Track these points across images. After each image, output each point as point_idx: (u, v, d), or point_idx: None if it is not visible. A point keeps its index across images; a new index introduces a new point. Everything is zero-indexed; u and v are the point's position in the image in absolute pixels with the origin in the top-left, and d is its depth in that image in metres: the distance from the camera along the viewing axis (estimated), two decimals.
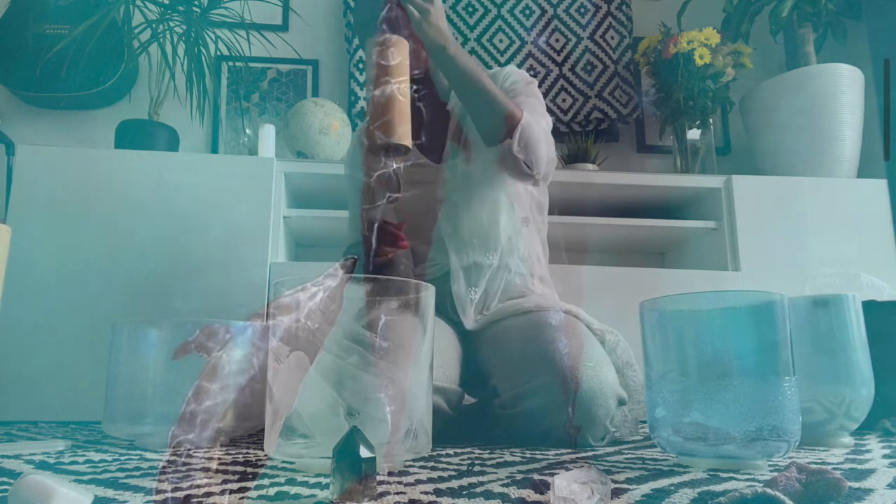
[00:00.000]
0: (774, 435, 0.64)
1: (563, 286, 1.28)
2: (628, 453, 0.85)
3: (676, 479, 0.59)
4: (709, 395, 0.66)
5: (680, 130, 1.97)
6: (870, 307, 1.00)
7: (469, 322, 1.14)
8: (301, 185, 1.75)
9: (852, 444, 0.91)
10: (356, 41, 2.04)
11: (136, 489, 0.55)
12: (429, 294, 0.67)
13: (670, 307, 0.72)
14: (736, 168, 2.06)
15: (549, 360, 0.97)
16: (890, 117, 1.92)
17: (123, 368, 0.92)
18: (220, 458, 0.75)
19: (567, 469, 0.55)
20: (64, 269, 1.52)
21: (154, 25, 1.77)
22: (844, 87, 1.85)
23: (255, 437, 1.00)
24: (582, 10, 2.20)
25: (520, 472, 0.65)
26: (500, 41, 2.16)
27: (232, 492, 0.53)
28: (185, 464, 0.70)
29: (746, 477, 0.61)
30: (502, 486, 0.56)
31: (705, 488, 0.54)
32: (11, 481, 0.57)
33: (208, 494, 0.51)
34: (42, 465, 0.71)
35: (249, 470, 0.66)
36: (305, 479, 0.59)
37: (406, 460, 0.69)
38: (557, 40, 2.18)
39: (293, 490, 0.53)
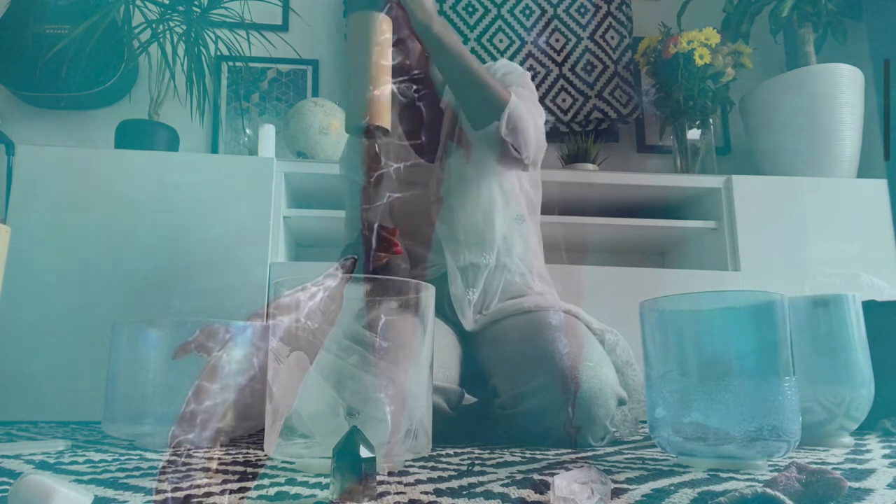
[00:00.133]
0: (774, 435, 0.64)
1: (563, 286, 1.27)
2: (628, 453, 0.85)
3: (676, 479, 0.59)
4: (709, 395, 0.66)
5: (680, 130, 1.97)
6: (870, 307, 1.00)
7: (468, 323, 1.14)
8: (301, 185, 1.75)
9: (852, 444, 0.91)
10: None
11: (136, 489, 0.55)
12: (429, 294, 0.67)
13: (670, 307, 0.72)
14: (736, 168, 2.06)
15: (549, 360, 0.97)
16: (890, 117, 1.92)
17: (123, 368, 0.92)
18: (220, 458, 0.75)
19: (567, 469, 0.55)
20: (64, 269, 1.52)
21: (154, 25, 1.77)
22: (844, 87, 1.85)
23: (255, 437, 1.00)
24: (582, 10, 2.20)
25: (520, 472, 0.65)
26: (500, 41, 2.16)
27: (232, 492, 0.53)
28: (185, 464, 0.70)
29: (746, 477, 0.61)
30: (502, 486, 0.56)
31: (705, 488, 0.54)
32: (11, 481, 0.57)
33: (208, 494, 0.51)
34: (42, 465, 0.71)
35: (249, 470, 0.66)
36: (305, 479, 0.59)
37: (406, 460, 0.69)
38: (557, 40, 2.18)
39: (293, 490, 0.53)
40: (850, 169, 1.87)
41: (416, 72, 1.14)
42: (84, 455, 0.80)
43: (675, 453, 0.70)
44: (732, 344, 0.68)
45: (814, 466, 0.50)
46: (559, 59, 2.17)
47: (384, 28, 0.86)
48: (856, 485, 0.55)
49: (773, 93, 1.91)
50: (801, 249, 1.73)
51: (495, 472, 0.64)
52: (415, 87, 1.17)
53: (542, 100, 2.13)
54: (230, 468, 0.67)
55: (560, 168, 1.93)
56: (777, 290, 0.69)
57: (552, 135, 2.12)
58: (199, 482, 0.57)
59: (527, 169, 1.14)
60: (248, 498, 0.50)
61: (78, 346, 1.47)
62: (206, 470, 0.66)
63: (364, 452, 0.48)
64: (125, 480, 0.59)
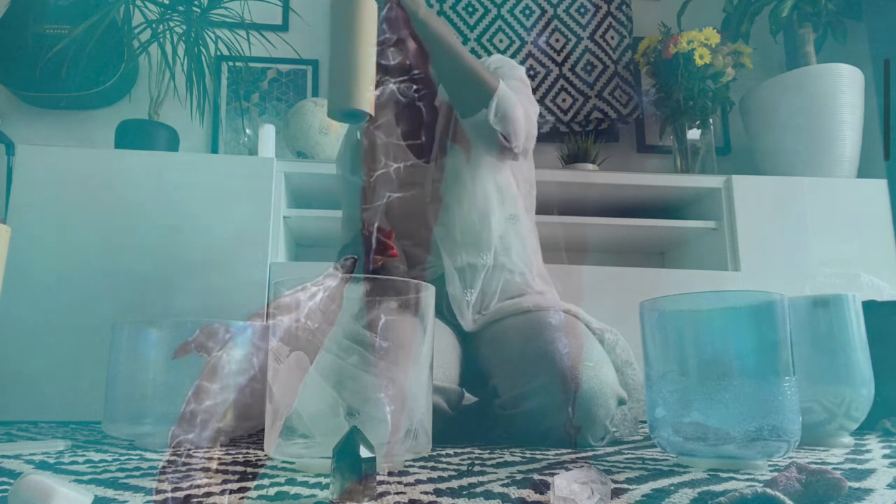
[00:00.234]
0: (774, 435, 0.64)
1: (563, 286, 1.27)
2: (628, 453, 0.85)
3: (676, 479, 0.59)
4: (709, 395, 0.66)
5: (680, 130, 1.97)
6: (870, 307, 1.00)
7: (467, 324, 1.14)
8: (301, 185, 1.75)
9: (852, 444, 0.91)
10: None
11: (136, 489, 0.55)
12: (428, 294, 0.67)
13: (670, 307, 0.72)
14: (736, 168, 2.06)
15: (549, 360, 0.97)
16: (890, 117, 1.92)
17: (123, 368, 0.92)
18: (220, 458, 0.75)
19: (567, 469, 0.55)
20: (64, 269, 1.52)
21: (154, 25, 1.77)
22: (844, 87, 1.85)
23: (255, 437, 1.00)
24: (582, 10, 2.20)
25: (520, 472, 0.65)
26: (500, 41, 2.16)
27: (232, 492, 0.53)
28: (185, 464, 0.70)
29: (746, 477, 0.61)
30: (502, 486, 0.56)
31: (705, 488, 0.54)
32: (11, 481, 0.57)
33: (208, 494, 0.51)
34: (42, 465, 0.71)
35: (249, 470, 0.66)
36: (305, 479, 0.59)
37: (406, 460, 0.69)
38: (557, 40, 2.18)
39: (293, 490, 0.53)
40: (850, 169, 1.87)
41: (415, 72, 1.14)
42: (84, 455, 0.80)
43: (675, 453, 0.70)
44: (732, 344, 0.68)
45: (814, 466, 0.50)
46: (559, 59, 2.17)
47: (367, 9, 0.82)
48: (856, 485, 0.55)
49: (773, 93, 1.91)
50: (801, 249, 1.73)
51: (495, 472, 0.64)
52: (415, 87, 1.16)
53: (541, 100, 2.13)
54: (230, 468, 0.67)
55: (560, 168, 1.93)
56: (777, 290, 0.69)
57: (552, 135, 2.12)
58: (199, 482, 0.57)
59: (517, 158, 1.12)
60: (248, 498, 0.50)
61: (78, 346, 1.47)
62: (206, 470, 0.66)
63: (364, 452, 0.48)
64: (125, 480, 0.59)
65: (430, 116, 1.19)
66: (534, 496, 0.51)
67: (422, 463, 0.71)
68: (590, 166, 1.92)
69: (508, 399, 0.99)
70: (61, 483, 0.44)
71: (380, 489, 0.53)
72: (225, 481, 0.58)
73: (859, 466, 0.68)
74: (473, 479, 0.59)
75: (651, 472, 0.65)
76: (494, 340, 1.09)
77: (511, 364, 1.02)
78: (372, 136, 1.15)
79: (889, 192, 1.80)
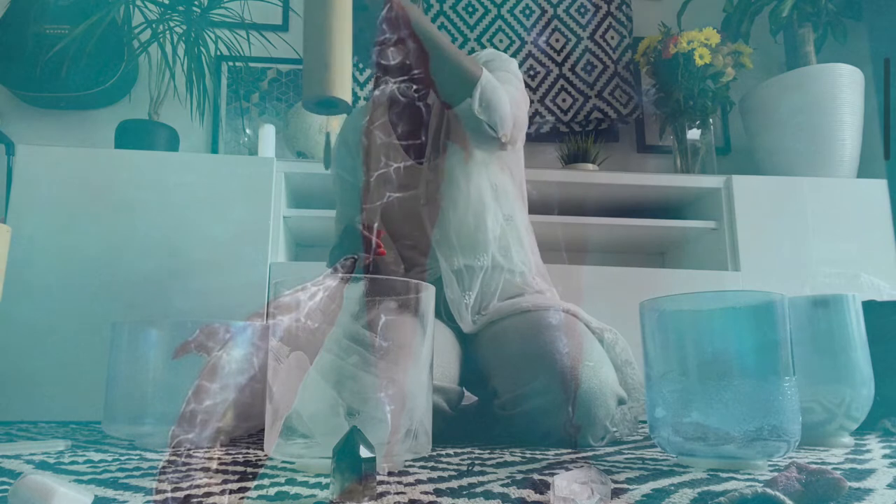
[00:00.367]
0: (774, 435, 0.64)
1: (563, 286, 1.27)
2: (628, 453, 0.85)
3: (676, 479, 0.59)
4: (709, 395, 0.66)
5: (680, 130, 1.97)
6: (870, 307, 1.01)
7: (466, 326, 1.13)
8: (301, 185, 1.75)
9: (852, 444, 0.91)
10: None
11: (136, 489, 0.55)
12: (428, 294, 0.67)
13: (670, 307, 0.72)
14: (736, 168, 2.06)
15: (549, 360, 0.96)
16: (890, 117, 1.92)
17: (123, 368, 0.92)
18: (220, 458, 0.75)
19: (567, 469, 0.55)
20: (64, 269, 1.52)
21: (154, 25, 1.77)
22: (844, 87, 1.85)
23: (255, 437, 1.00)
24: (582, 10, 2.20)
25: (520, 472, 0.65)
26: (500, 41, 2.16)
27: (232, 492, 0.53)
28: (185, 464, 0.70)
29: (746, 477, 0.61)
30: (502, 486, 0.56)
31: (705, 488, 0.54)
32: (11, 481, 0.57)
33: (208, 494, 0.51)
34: (42, 465, 0.71)
35: (249, 470, 0.66)
36: (305, 479, 0.59)
37: (406, 460, 0.69)
38: (557, 40, 2.18)
39: (293, 490, 0.53)
40: (850, 169, 1.87)
41: (415, 72, 1.13)
42: (84, 455, 0.80)
43: (675, 453, 0.70)
44: (732, 344, 0.68)
45: (814, 466, 0.50)
46: (559, 59, 2.17)
47: None
48: (856, 485, 0.55)
49: (773, 93, 1.91)
50: (801, 249, 1.73)
51: (495, 472, 0.64)
52: (414, 87, 1.16)
53: (541, 100, 2.13)
54: (230, 468, 0.67)
55: (560, 168, 1.93)
56: (777, 290, 0.69)
57: (552, 135, 2.12)
58: (199, 482, 0.57)
59: (505, 148, 1.11)
60: (248, 498, 0.50)
61: (78, 346, 1.47)
62: (206, 470, 0.66)
63: (364, 452, 0.48)
64: (125, 480, 0.59)
65: (429, 117, 1.19)
66: (534, 496, 0.51)
67: (422, 463, 0.71)
68: (590, 166, 1.92)
69: (508, 399, 0.99)
70: (61, 483, 0.44)
71: (380, 489, 0.53)
72: (225, 481, 0.58)
73: (859, 466, 0.68)
74: (473, 479, 0.59)
75: (651, 472, 0.65)
76: (494, 340, 1.09)
77: (511, 364, 1.02)
78: (371, 136, 1.15)
79: (889, 192, 1.80)
